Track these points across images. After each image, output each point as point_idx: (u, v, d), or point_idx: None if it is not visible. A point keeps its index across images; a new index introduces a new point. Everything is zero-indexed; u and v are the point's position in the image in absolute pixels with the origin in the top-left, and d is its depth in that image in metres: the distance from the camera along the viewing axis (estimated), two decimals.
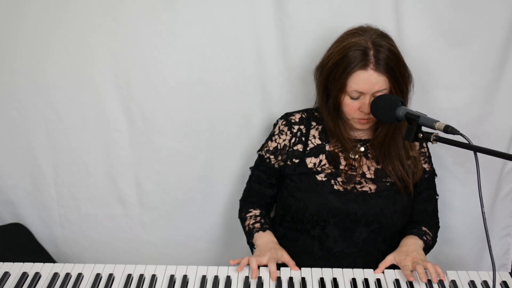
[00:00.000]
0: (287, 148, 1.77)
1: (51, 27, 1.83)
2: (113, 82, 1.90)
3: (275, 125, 1.82)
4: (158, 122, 1.95)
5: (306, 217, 1.72)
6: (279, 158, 1.78)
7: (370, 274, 1.60)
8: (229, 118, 1.96)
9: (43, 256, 2.08)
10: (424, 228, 1.78)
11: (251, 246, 1.78)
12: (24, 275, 1.56)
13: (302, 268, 1.61)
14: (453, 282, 1.56)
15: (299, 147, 1.76)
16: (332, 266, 1.62)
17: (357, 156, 1.74)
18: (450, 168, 2.01)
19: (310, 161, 1.74)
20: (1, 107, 1.96)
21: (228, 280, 1.55)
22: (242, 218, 1.86)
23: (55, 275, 1.56)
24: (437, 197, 1.86)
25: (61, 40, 1.85)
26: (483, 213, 1.36)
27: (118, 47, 1.86)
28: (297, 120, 1.78)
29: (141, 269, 1.59)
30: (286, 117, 1.80)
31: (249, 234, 1.79)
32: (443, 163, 1.98)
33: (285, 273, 1.59)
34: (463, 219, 2.07)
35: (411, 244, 1.69)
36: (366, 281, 1.56)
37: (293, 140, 1.77)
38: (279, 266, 1.62)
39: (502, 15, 1.81)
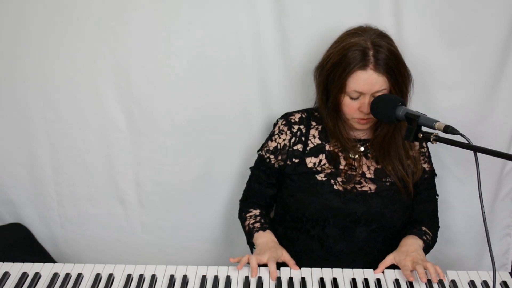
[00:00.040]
0: (287, 148, 1.77)
1: (51, 27, 1.83)
2: (113, 82, 1.90)
3: (275, 125, 1.82)
4: (158, 122, 1.95)
5: (306, 216, 1.72)
6: (279, 158, 1.78)
7: (370, 274, 1.60)
8: (229, 118, 1.96)
9: (43, 256, 2.08)
10: (424, 228, 1.78)
11: (251, 246, 1.78)
12: (24, 275, 1.56)
13: (302, 268, 1.61)
14: (453, 282, 1.56)
15: (299, 146, 1.76)
16: (331, 265, 1.62)
17: (357, 156, 1.74)
18: (450, 168, 2.01)
19: (310, 161, 1.74)
20: (1, 107, 1.96)
21: (228, 280, 1.55)
22: (242, 218, 1.86)
23: (55, 275, 1.56)
24: (437, 197, 1.86)
25: (61, 40, 1.85)
26: (483, 213, 1.36)
27: (118, 47, 1.86)
28: (297, 120, 1.78)
29: (141, 269, 1.59)
30: (286, 117, 1.80)
31: (249, 234, 1.79)
32: (443, 163, 1.98)
33: (285, 273, 1.59)
34: (463, 219, 2.07)
35: (411, 244, 1.69)
36: (366, 281, 1.56)
37: (293, 140, 1.77)
38: (279, 265, 1.62)
39: (502, 15, 1.81)
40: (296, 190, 1.74)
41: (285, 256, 1.66)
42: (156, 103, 1.93)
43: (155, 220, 2.10)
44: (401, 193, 1.73)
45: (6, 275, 1.56)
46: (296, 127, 1.77)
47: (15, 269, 1.59)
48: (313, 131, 1.77)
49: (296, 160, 1.75)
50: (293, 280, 1.55)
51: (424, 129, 1.46)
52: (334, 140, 1.75)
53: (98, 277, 1.56)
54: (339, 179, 1.72)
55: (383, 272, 1.61)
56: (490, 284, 1.57)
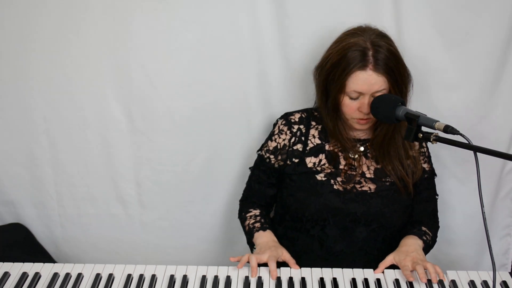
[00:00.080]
0: (286, 148, 1.77)
1: (51, 27, 1.83)
2: (113, 82, 1.90)
3: (274, 124, 1.82)
4: (158, 122, 1.95)
5: (306, 216, 1.72)
6: (279, 157, 1.78)
7: (370, 274, 1.60)
8: (229, 118, 1.96)
9: (43, 256, 2.08)
10: (423, 228, 1.78)
11: (251, 245, 1.78)
12: (24, 275, 1.56)
13: (302, 268, 1.61)
14: (453, 282, 1.56)
15: (299, 146, 1.76)
16: (331, 265, 1.62)
17: (356, 156, 1.74)
18: (450, 168, 2.01)
19: (310, 161, 1.74)
20: (1, 107, 1.96)
21: (228, 280, 1.55)
22: (242, 218, 1.86)
23: (55, 275, 1.56)
24: (436, 197, 1.86)
25: (61, 40, 1.85)
26: (483, 213, 1.36)
27: (118, 47, 1.86)
28: (296, 119, 1.78)
29: (141, 269, 1.59)
30: (286, 116, 1.80)
31: (249, 234, 1.79)
32: (443, 163, 1.98)
33: (285, 273, 1.59)
34: (463, 219, 2.07)
35: (411, 244, 1.69)
36: (366, 281, 1.56)
37: (292, 139, 1.77)
38: (280, 265, 1.62)
39: (502, 15, 1.81)
40: (296, 190, 1.74)
41: (285, 255, 1.66)
42: (156, 103, 1.92)
43: (155, 220, 2.10)
44: (401, 193, 1.73)
45: (6, 275, 1.56)
46: (296, 127, 1.77)
47: (15, 269, 1.59)
48: (313, 131, 1.77)
49: (296, 160, 1.75)
50: (293, 280, 1.55)
51: (424, 129, 1.46)
52: (333, 140, 1.75)
53: (98, 277, 1.56)
54: (339, 179, 1.72)
55: (383, 272, 1.61)
56: (490, 284, 1.57)
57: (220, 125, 1.96)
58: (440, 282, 1.55)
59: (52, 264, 1.62)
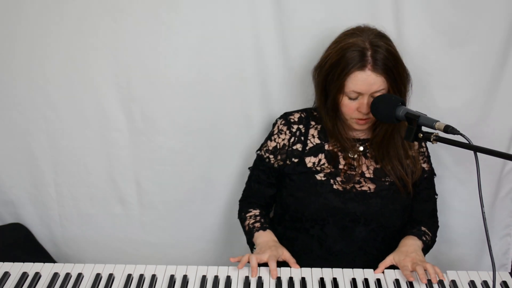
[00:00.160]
0: (286, 148, 1.77)
1: (51, 27, 1.83)
2: (113, 82, 1.90)
3: (274, 124, 1.82)
4: (158, 122, 1.95)
5: (305, 216, 1.72)
6: (279, 157, 1.78)
7: (370, 274, 1.60)
8: (229, 118, 1.96)
9: (43, 256, 2.08)
10: (423, 228, 1.78)
11: (251, 245, 1.78)
12: (24, 275, 1.56)
13: (302, 268, 1.61)
14: (453, 282, 1.56)
15: (298, 146, 1.76)
16: (331, 265, 1.62)
17: (356, 156, 1.74)
18: (450, 168, 2.01)
19: (309, 161, 1.74)
20: (1, 107, 1.96)
21: (228, 280, 1.55)
22: (242, 218, 1.86)
23: (55, 275, 1.56)
24: (436, 196, 1.86)
25: (61, 40, 1.85)
26: (483, 213, 1.36)
27: (118, 47, 1.86)
28: (296, 119, 1.78)
29: (141, 269, 1.59)
30: (285, 116, 1.80)
31: (249, 234, 1.79)
32: (443, 163, 1.98)
33: (285, 273, 1.59)
34: (463, 219, 2.07)
35: (411, 245, 1.69)
36: (366, 281, 1.56)
37: (292, 139, 1.77)
38: (280, 265, 1.62)
39: (502, 15, 1.81)
40: (295, 189, 1.74)
41: (286, 254, 1.65)
42: (156, 103, 1.92)
43: (155, 220, 2.10)
44: (400, 193, 1.73)
45: (6, 275, 1.56)
46: (295, 126, 1.77)
47: (15, 269, 1.59)
48: (312, 131, 1.77)
49: (296, 160, 1.75)
50: (293, 280, 1.55)
51: (424, 129, 1.46)
52: (333, 139, 1.75)
53: (98, 277, 1.56)
54: (338, 178, 1.72)
55: (383, 272, 1.61)
56: (490, 284, 1.57)
57: (220, 125, 1.96)
58: (440, 282, 1.55)
59: (52, 264, 1.62)
